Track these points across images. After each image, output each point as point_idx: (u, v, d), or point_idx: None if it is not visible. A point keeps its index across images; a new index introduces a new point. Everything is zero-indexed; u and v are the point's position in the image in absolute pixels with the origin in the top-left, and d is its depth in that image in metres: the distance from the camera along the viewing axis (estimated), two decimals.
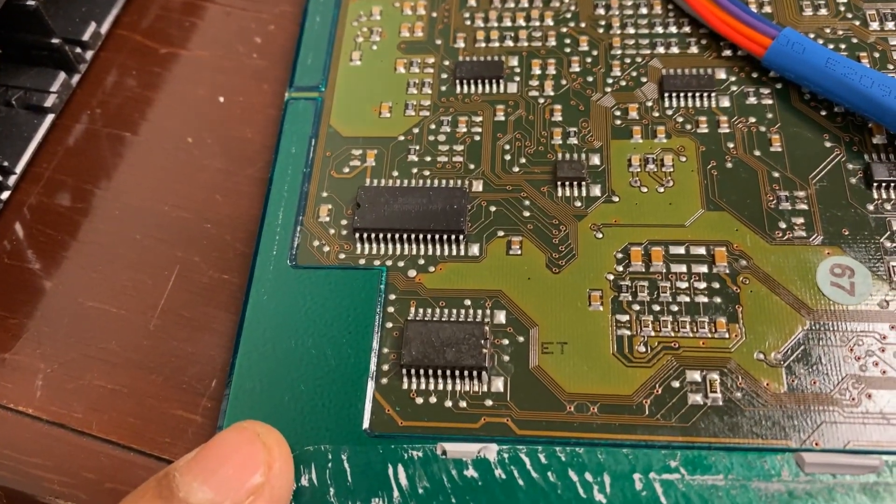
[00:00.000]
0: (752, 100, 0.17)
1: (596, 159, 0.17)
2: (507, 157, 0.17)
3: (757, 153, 0.16)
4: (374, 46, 0.19)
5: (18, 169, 0.17)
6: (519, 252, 0.16)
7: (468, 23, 0.19)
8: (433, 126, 0.17)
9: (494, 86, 0.18)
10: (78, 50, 0.18)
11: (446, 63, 0.18)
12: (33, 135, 0.18)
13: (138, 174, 0.18)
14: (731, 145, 0.16)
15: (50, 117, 0.18)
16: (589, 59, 0.18)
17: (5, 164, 0.17)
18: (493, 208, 0.16)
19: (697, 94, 0.17)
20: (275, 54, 0.20)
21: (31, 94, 0.18)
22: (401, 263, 0.16)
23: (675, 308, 0.15)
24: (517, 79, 0.18)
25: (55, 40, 0.18)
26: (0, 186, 0.17)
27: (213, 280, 0.17)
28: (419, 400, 0.14)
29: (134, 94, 0.19)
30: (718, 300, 0.15)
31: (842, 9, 0.18)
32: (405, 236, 0.16)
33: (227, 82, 0.19)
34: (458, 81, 0.18)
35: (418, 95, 0.18)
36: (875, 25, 0.18)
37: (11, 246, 0.17)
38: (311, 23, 0.19)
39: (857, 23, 0.18)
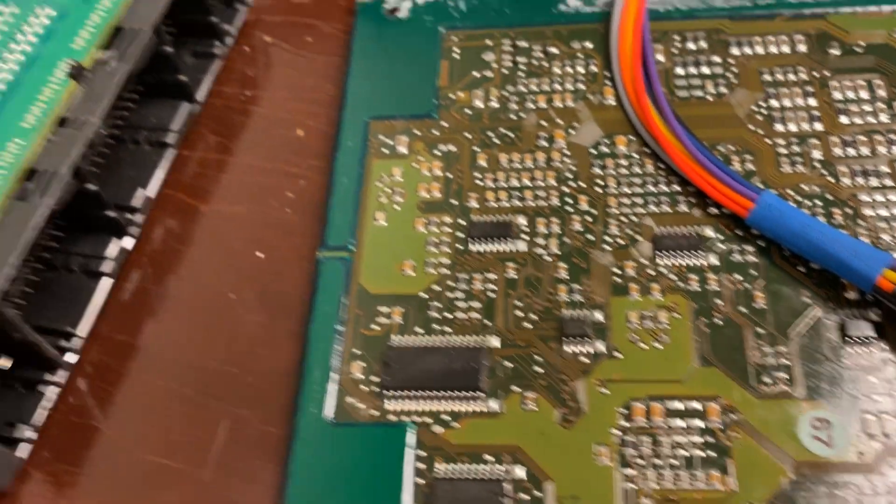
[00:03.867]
0: (738, 257, 0.19)
1: (599, 315, 0.19)
2: (519, 314, 0.19)
3: (742, 309, 0.18)
4: (396, 206, 0.21)
5: (83, 333, 0.19)
6: (535, 408, 0.18)
7: (479, 183, 0.21)
8: (452, 283, 0.19)
9: (505, 244, 0.20)
10: (128, 216, 0.21)
11: (461, 222, 0.20)
12: (93, 299, 0.20)
13: (187, 331, 0.20)
14: (719, 302, 0.18)
15: (108, 281, 0.20)
16: (589, 218, 0.20)
17: (69, 328, 0.19)
18: (508, 364, 0.18)
19: (687, 253, 0.19)
20: (306, 208, 0.22)
21: (90, 260, 0.20)
22: (428, 419, 0.18)
23: (674, 462, 0.17)
24: (525, 237, 0.20)
25: (110, 212, 0.20)
26: (66, 350, 0.19)
27: (259, 432, 0.18)
28: None
29: (178, 251, 0.21)
30: (712, 454, 0.17)
31: (816, 165, 0.20)
32: (431, 394, 0.18)
33: (262, 236, 0.21)
34: (472, 240, 0.20)
35: (437, 253, 0.20)
36: (846, 181, 0.20)
37: (75, 401, 0.19)
38: (339, 183, 0.21)
39: (832, 179, 0.20)
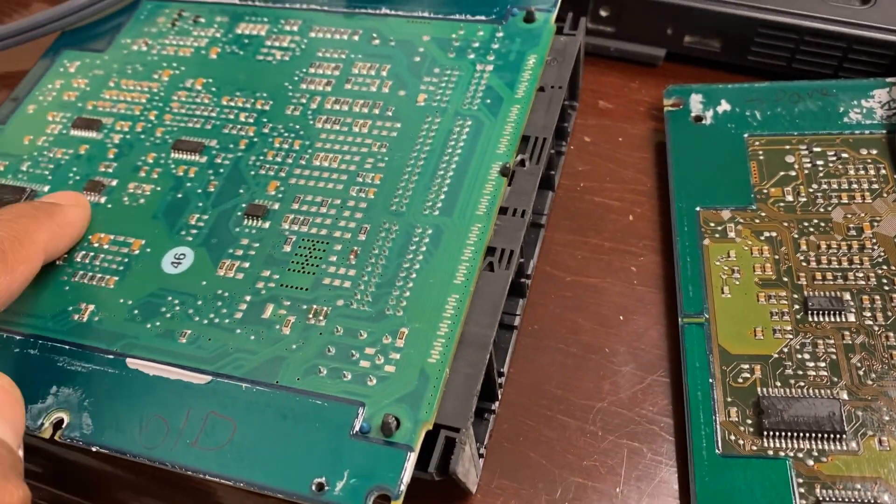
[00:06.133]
0: None
1: None
2: (861, 373, 0.23)
3: None
4: (736, 282, 0.26)
5: (506, 372, 0.24)
6: (888, 448, 0.22)
7: (805, 264, 0.26)
8: (798, 346, 0.24)
9: (839, 316, 0.24)
10: (526, 280, 0.26)
11: (795, 296, 0.25)
12: (508, 346, 0.25)
13: (580, 378, 0.25)
14: None
15: (515, 332, 0.25)
16: None
17: (500, 369, 0.24)
18: (859, 413, 0.23)
19: None
20: (650, 281, 0.27)
21: (505, 316, 0.25)
22: (800, 455, 0.22)
23: None
24: (853, 310, 0.24)
25: (522, 279, 0.25)
26: (500, 385, 0.24)
27: (654, 462, 0.23)
28: None
29: (558, 314, 0.27)
30: None
31: None
32: (801, 434, 0.22)
33: (620, 304, 0.26)
34: (809, 312, 0.25)
35: (780, 321, 0.25)
36: None
37: (506, 428, 0.24)
38: (684, 263, 0.26)
39: None
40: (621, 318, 0.26)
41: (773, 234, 0.27)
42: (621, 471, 0.23)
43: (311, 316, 0.22)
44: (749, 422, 0.23)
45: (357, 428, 0.20)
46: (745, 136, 0.29)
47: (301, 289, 0.23)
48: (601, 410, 0.24)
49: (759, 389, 0.23)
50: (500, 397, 0.24)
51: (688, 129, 0.30)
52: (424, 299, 0.22)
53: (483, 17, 0.29)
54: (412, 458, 0.19)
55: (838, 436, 0.22)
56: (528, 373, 0.25)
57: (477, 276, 0.23)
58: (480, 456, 0.23)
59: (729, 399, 0.23)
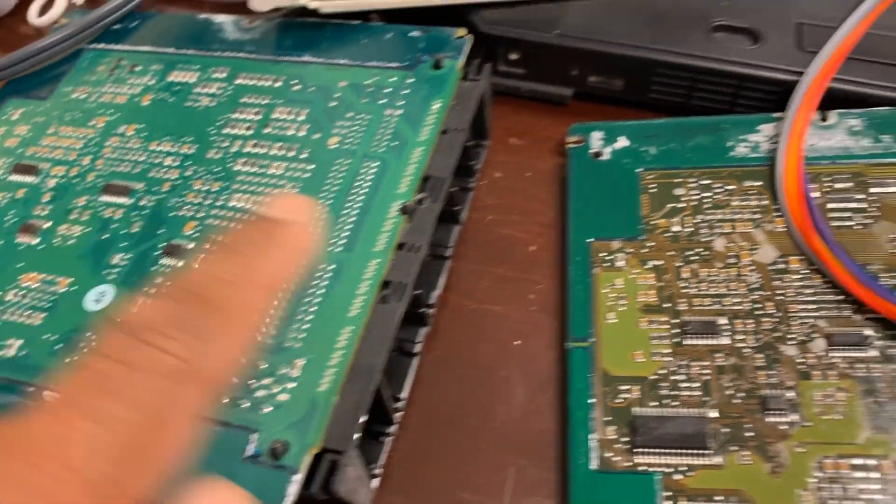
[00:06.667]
0: (893, 351, 0.25)
1: (791, 394, 0.25)
2: (729, 393, 0.25)
3: None
4: (622, 308, 0.28)
5: (404, 397, 0.26)
6: (749, 462, 0.24)
7: (685, 290, 0.28)
8: (674, 368, 0.26)
9: (712, 339, 0.26)
10: (429, 311, 0.28)
11: (675, 321, 0.27)
12: (408, 372, 0.27)
13: (472, 398, 0.27)
14: (882, 385, 0.25)
15: (416, 359, 0.27)
16: (776, 319, 0.27)
17: (398, 394, 0.26)
18: (725, 430, 0.25)
19: (853, 347, 0.25)
20: (547, 307, 0.29)
21: (404, 343, 0.27)
22: (668, 470, 0.24)
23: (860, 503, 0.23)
24: (727, 333, 0.26)
25: (423, 309, 0.27)
26: (396, 410, 0.26)
27: (538, 478, 0.25)
28: None
29: (460, 340, 0.29)
30: (890, 498, 0.23)
31: None
32: (669, 451, 0.24)
33: (518, 329, 0.28)
34: (686, 336, 0.27)
35: (659, 345, 0.27)
36: None
37: (401, 450, 0.26)
38: (575, 290, 0.28)
39: None
40: (518, 342, 0.28)
41: (659, 262, 0.29)
42: (508, 487, 0.25)
43: None
44: (625, 439, 0.25)
45: (249, 452, 0.22)
46: (639, 170, 0.31)
47: None
48: (493, 430, 0.26)
49: (635, 409, 0.25)
50: (397, 420, 0.26)
51: (587, 164, 0.32)
52: (322, 331, 0.24)
53: (396, 64, 0.31)
54: (296, 478, 0.21)
55: (704, 451, 0.24)
56: (428, 396, 0.27)
57: (372, 308, 0.25)
58: (375, 476, 0.25)
59: (607, 418, 0.25)
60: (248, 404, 0.23)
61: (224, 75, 0.33)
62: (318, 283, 0.25)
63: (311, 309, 0.25)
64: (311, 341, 0.24)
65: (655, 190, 0.31)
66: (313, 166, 0.29)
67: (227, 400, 0.23)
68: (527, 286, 0.30)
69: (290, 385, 0.23)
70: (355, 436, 0.22)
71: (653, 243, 0.29)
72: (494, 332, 0.29)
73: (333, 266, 0.26)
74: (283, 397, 0.23)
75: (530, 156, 0.33)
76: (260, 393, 0.23)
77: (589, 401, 0.26)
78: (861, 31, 0.31)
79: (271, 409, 0.23)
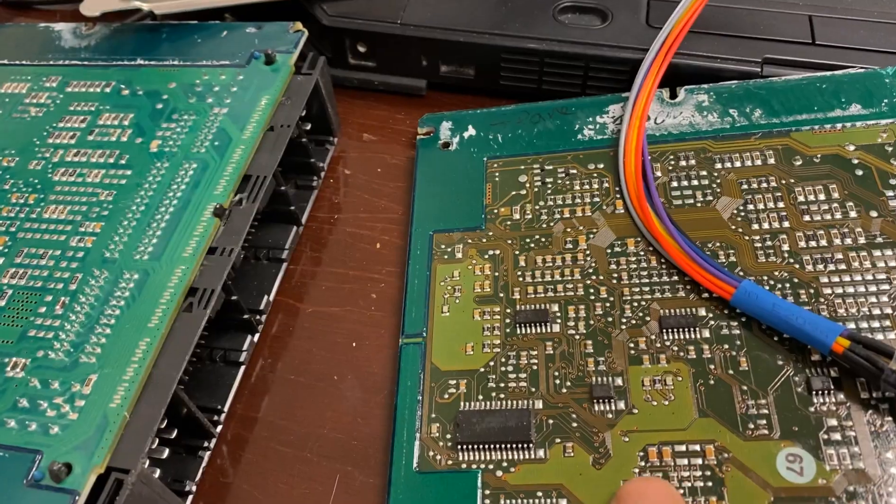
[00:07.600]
0: (725, 331, 0.24)
1: (619, 381, 0.24)
2: (557, 382, 0.24)
3: (730, 372, 0.24)
4: (456, 300, 0.27)
5: (226, 409, 0.25)
6: (573, 454, 0.23)
7: (521, 279, 0.27)
8: (503, 360, 0.25)
9: (543, 327, 0.25)
10: (257, 317, 0.27)
11: (508, 311, 0.26)
12: (233, 382, 0.26)
13: (301, 406, 0.26)
14: (712, 367, 0.24)
15: (242, 368, 0.26)
16: (608, 304, 0.26)
17: (217, 406, 0.25)
18: (550, 421, 0.24)
19: (686, 329, 0.25)
20: (386, 306, 0.28)
21: (229, 352, 0.26)
22: (490, 466, 0.23)
23: (681, 491, 0.22)
24: (559, 321, 0.26)
25: (246, 315, 0.26)
26: (216, 423, 0.25)
27: (364, 484, 0.24)
28: None
29: (293, 345, 0.27)
30: (711, 484, 0.22)
31: (785, 255, 0.26)
32: (492, 446, 0.23)
33: (355, 330, 0.27)
34: (517, 325, 0.26)
35: (491, 336, 0.26)
36: (810, 267, 0.25)
37: (221, 464, 0.25)
38: (412, 284, 0.27)
39: (798, 266, 0.25)
40: (354, 344, 0.27)
41: (497, 251, 0.28)
42: (331, 495, 0.24)
43: (9, 369, 0.23)
44: (448, 437, 0.24)
45: (30, 476, 0.21)
46: (485, 159, 0.30)
47: (6, 342, 0.24)
48: (320, 437, 0.25)
49: (461, 404, 0.24)
50: (216, 433, 0.25)
51: (435, 155, 0.31)
52: (118, 345, 0.23)
53: (227, 62, 0.30)
54: (79, 501, 0.20)
55: (526, 445, 0.23)
56: (254, 406, 0.26)
57: (174, 317, 0.23)
58: (187, 493, 0.24)
59: (433, 415, 0.24)
60: (35, 426, 0.22)
61: (55, 84, 0.31)
62: (120, 294, 0.24)
63: (110, 322, 0.24)
64: (106, 356, 0.23)
65: (499, 178, 0.30)
66: (130, 171, 0.27)
67: (13, 423, 0.22)
68: (369, 285, 0.29)
69: (80, 403, 0.22)
70: (146, 452, 0.21)
71: (493, 233, 0.28)
72: (331, 334, 0.27)
73: (137, 276, 0.24)
74: (72, 416, 0.22)
75: (383, 151, 0.32)
76: (50, 413, 0.22)
77: (417, 398, 0.25)
78: (700, 4, 0.30)
79: (59, 429, 0.22)
